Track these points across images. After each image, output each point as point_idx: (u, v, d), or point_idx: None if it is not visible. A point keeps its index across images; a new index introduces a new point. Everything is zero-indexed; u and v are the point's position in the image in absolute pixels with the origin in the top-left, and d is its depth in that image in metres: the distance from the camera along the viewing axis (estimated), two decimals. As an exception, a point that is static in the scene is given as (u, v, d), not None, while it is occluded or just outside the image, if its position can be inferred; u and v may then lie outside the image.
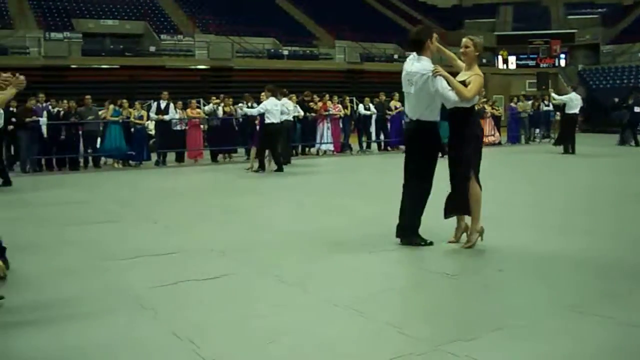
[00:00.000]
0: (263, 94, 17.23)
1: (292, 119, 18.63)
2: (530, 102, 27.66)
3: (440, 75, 6.87)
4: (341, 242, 7.61)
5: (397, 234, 7.23)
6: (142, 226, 9.22)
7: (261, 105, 16.94)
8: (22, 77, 5.73)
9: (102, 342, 4.50)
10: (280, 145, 17.39)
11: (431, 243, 7.12)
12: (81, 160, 19.36)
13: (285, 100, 18.46)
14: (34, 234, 8.60)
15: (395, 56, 40.45)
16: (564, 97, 21.56)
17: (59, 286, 5.97)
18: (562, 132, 21.99)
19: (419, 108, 7.06)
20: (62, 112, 18.96)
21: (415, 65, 7.04)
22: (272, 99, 16.62)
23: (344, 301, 5.20)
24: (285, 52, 37.06)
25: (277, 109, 16.64)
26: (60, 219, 9.96)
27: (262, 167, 16.64)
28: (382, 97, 23.85)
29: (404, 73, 7.16)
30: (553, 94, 23.49)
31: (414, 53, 7.20)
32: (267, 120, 16.43)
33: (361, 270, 6.31)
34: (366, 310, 4.96)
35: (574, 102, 20.88)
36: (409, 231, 7.12)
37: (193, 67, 33.73)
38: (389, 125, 23.64)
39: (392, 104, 23.60)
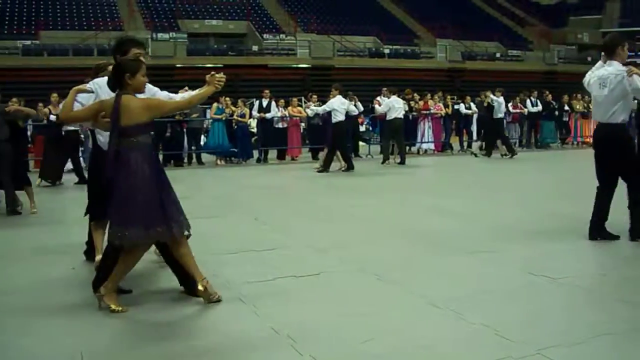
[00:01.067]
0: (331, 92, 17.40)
1: (402, 117, 18.63)
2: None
3: (635, 74, 6.98)
4: (442, 241, 7.56)
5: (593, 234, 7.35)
6: (243, 222, 9.37)
7: (327, 103, 17.14)
8: (220, 75, 5.56)
9: (204, 336, 4.63)
10: (397, 143, 18.33)
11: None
12: (185, 157, 19.84)
13: (395, 97, 18.52)
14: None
15: (498, 55, 39.88)
16: None
17: (157, 279, 6.17)
18: None
19: (610, 109, 7.19)
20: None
21: (607, 68, 7.28)
22: (339, 98, 16.76)
23: (441, 301, 5.17)
24: (387, 51, 37.00)
25: (344, 107, 16.81)
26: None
27: (325, 167, 16.54)
28: (484, 96, 23.50)
29: (594, 79, 7.39)
30: None
31: (600, 61, 7.54)
32: (334, 119, 16.63)
33: (460, 271, 6.26)
34: (464, 311, 4.91)
35: None
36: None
37: (295, 65, 34.05)
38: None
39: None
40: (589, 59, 43.42)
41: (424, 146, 22.63)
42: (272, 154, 20.59)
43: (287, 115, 20.51)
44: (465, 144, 23.34)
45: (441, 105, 22.53)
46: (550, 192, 12.23)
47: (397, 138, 18.53)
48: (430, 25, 40.49)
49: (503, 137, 20.45)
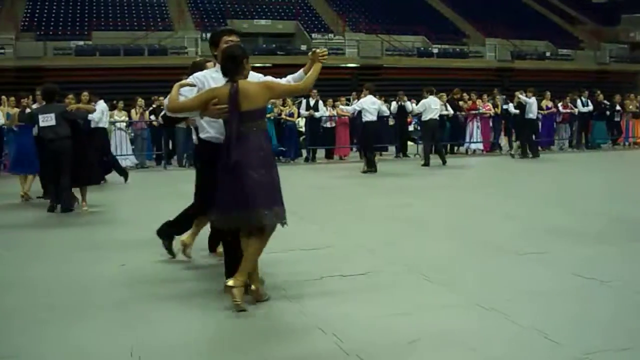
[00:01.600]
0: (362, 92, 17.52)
1: (437, 118, 18.54)
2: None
3: None
4: (490, 242, 7.55)
5: None
6: (290, 221, 9.40)
7: (357, 103, 17.24)
8: (320, 49, 5.72)
9: (248, 331, 4.69)
10: (434, 143, 18.29)
11: None
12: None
13: (432, 98, 18.42)
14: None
15: (547, 54, 39.43)
16: None
17: (201, 278, 6.25)
18: None
19: None
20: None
21: None
22: (370, 97, 16.80)
23: (489, 302, 5.16)
24: (435, 50, 36.86)
25: (375, 107, 16.86)
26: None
27: (369, 166, 16.54)
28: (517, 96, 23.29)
29: None
30: None
31: None
32: (364, 119, 16.73)
33: (509, 272, 6.24)
34: (511, 313, 4.90)
35: None
36: None
37: (343, 65, 34.07)
38: (540, 124, 23.05)
39: (543, 103, 23.01)
40: (641, 58, 42.83)
41: (473, 146, 22.50)
42: (320, 153, 20.67)
43: (335, 114, 20.56)
44: (514, 144, 23.11)
45: (490, 105, 22.35)
46: (601, 193, 12.07)
47: (435, 139, 18.42)
48: (479, 24, 40.20)
49: (527, 138, 20.14)
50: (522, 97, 20.18)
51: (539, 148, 22.68)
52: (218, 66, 5.58)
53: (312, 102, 20.23)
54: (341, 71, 33.28)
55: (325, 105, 20.45)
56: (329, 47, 35.08)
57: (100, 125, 14.95)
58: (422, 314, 5.01)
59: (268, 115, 19.33)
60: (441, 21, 41.29)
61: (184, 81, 5.64)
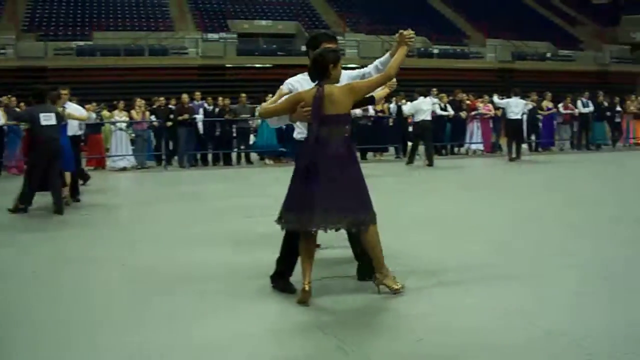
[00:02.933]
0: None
1: (429, 119, 18.62)
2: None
3: None
4: (504, 242, 7.62)
5: None
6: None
7: (413, 104, 17.62)
8: (407, 31, 5.55)
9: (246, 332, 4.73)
10: (425, 144, 18.55)
11: None
12: (234, 156, 20.07)
13: (422, 98, 18.59)
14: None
15: (548, 55, 39.41)
16: None
17: (206, 281, 6.27)
18: None
19: None
20: (217, 110, 19.71)
21: None
22: (422, 98, 17.17)
23: (505, 305, 5.14)
24: (436, 51, 36.84)
25: (428, 107, 17.07)
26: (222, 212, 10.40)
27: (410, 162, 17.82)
28: (534, 96, 23.33)
29: None
30: None
31: None
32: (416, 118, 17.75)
33: (526, 274, 6.17)
34: (529, 316, 4.85)
35: None
36: None
37: (344, 65, 33.88)
38: (541, 125, 23.10)
39: (544, 104, 23.07)
40: (641, 58, 42.81)
41: (473, 147, 22.54)
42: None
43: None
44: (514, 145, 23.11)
45: (490, 106, 22.35)
46: (606, 194, 12.09)
47: (425, 140, 18.46)
48: (479, 25, 40.19)
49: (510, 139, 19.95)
50: (496, 98, 20.36)
51: (539, 149, 22.76)
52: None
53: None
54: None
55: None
56: (329, 48, 35.20)
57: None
58: (434, 315, 5.02)
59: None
60: (442, 22, 41.29)
61: (282, 91, 5.69)
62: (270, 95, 17.16)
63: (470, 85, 28.77)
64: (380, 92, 6.07)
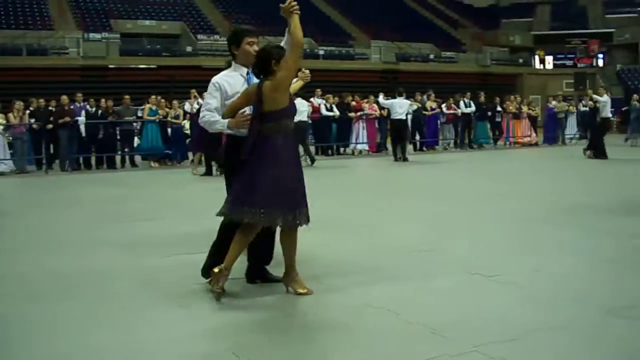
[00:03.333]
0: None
1: (307, 120, 18.82)
2: (565, 103, 26.95)
3: None
4: (390, 242, 7.61)
5: None
6: (179, 224, 9.23)
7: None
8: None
9: (142, 339, 4.56)
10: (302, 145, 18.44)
11: None
12: (118, 159, 19.56)
13: (300, 100, 18.71)
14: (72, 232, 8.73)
15: (431, 56, 40.29)
16: (600, 99, 20.58)
17: (97, 284, 6.05)
18: (593, 137, 20.39)
19: None
20: (100, 112, 19.13)
21: None
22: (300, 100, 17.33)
23: (377, 300, 5.19)
24: (321, 52, 37.06)
25: (305, 109, 17.97)
26: (103, 217, 10.08)
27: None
28: (419, 97, 23.78)
29: None
30: (594, 95, 22.01)
31: None
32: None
33: (399, 269, 6.26)
34: (402, 311, 4.94)
35: (608, 105, 19.52)
36: None
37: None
38: (424, 125, 23.55)
39: (428, 104, 23.53)
40: (521, 60, 44.39)
41: (359, 147, 22.78)
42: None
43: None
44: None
45: (375, 106, 22.60)
46: (485, 190, 12.39)
47: (302, 140, 18.54)
48: (365, 27, 40.70)
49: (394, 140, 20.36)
50: (381, 99, 20.90)
51: (424, 149, 23.22)
52: (233, 66, 5.75)
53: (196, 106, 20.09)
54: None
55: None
56: (214, 49, 34.91)
57: None
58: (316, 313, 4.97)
59: (152, 118, 19.04)
60: (327, 23, 41.54)
61: (232, 104, 5.53)
62: (155, 97, 16.85)
63: (355, 86, 29.09)
64: (294, 85, 6.05)
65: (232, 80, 5.63)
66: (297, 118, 17.94)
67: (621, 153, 19.76)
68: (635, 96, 27.10)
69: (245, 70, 5.70)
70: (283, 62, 5.30)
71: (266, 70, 5.30)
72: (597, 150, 18.84)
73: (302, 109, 18.42)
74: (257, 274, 5.85)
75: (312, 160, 18.39)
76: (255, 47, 5.62)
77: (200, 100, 20.42)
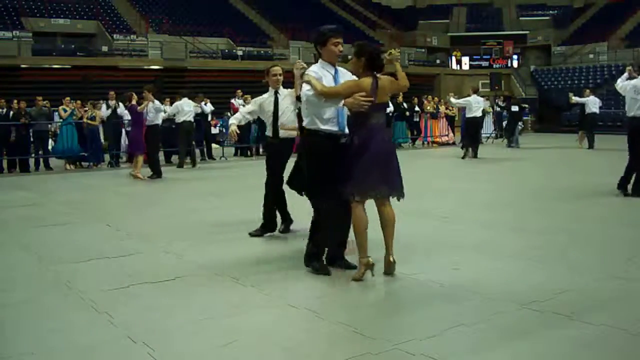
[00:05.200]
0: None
1: (190, 120, 18.83)
2: (488, 102, 27.42)
3: None
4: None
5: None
6: (96, 229, 9.06)
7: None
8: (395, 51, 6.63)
9: (54, 347, 4.43)
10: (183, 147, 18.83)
11: None
12: (32, 162, 19.00)
13: (185, 100, 18.85)
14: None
15: (350, 57, 40.50)
16: (460, 101, 21.04)
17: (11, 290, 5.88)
18: (465, 136, 21.19)
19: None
20: (11, 113, 18.55)
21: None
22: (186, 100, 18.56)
23: (297, 302, 5.20)
24: (240, 53, 36.91)
25: (190, 109, 18.67)
26: (12, 222, 9.80)
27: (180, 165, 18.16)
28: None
29: (631, 86, 10.92)
30: (451, 98, 22.50)
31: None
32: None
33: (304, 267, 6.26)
34: (322, 311, 4.96)
35: (473, 105, 20.00)
36: None
37: (146, 67, 33.36)
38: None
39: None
40: (438, 61, 45.12)
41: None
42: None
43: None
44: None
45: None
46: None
47: (185, 141, 18.89)
48: (283, 28, 40.74)
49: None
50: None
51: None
52: (321, 63, 6.26)
53: (111, 104, 19.75)
54: (144, 73, 32.55)
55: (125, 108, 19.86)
56: (131, 49, 34.41)
57: None
58: (236, 315, 4.96)
59: (67, 115, 18.63)
60: (246, 24, 41.44)
61: (313, 76, 6.02)
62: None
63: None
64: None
65: (325, 74, 6.14)
66: (181, 118, 18.35)
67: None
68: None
69: (333, 69, 6.26)
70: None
71: (378, 66, 6.05)
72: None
73: (188, 109, 18.52)
74: (339, 258, 6.29)
75: (194, 163, 18.96)
76: (340, 47, 6.24)
77: (205, 105, 21.12)
